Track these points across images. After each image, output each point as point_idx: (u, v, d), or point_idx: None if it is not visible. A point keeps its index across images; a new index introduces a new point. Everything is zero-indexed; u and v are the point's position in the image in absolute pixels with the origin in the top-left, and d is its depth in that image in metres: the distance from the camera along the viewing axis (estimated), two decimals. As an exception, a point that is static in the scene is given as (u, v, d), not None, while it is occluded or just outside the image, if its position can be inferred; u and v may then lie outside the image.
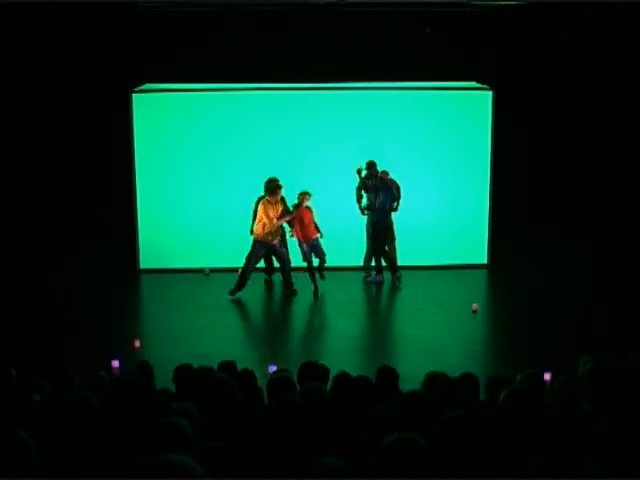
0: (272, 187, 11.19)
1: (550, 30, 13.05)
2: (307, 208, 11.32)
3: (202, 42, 13.01)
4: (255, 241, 11.37)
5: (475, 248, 12.63)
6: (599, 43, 12.91)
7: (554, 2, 12.22)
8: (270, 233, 11.26)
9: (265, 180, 11.31)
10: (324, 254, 11.48)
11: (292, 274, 11.39)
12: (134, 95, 12.40)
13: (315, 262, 11.51)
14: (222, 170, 12.45)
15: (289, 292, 11.33)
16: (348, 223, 12.34)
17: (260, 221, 11.24)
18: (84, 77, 13.04)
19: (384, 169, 11.84)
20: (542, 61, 13.23)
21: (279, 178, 11.59)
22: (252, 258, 11.37)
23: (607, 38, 12.84)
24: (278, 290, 11.37)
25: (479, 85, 12.83)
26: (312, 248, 11.38)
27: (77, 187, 13.33)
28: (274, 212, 11.22)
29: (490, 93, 12.51)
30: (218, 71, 12.89)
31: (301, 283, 11.38)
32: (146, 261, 12.55)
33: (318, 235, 11.44)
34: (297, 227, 11.25)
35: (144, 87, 12.70)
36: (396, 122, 12.50)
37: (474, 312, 10.61)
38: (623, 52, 12.87)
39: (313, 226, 11.41)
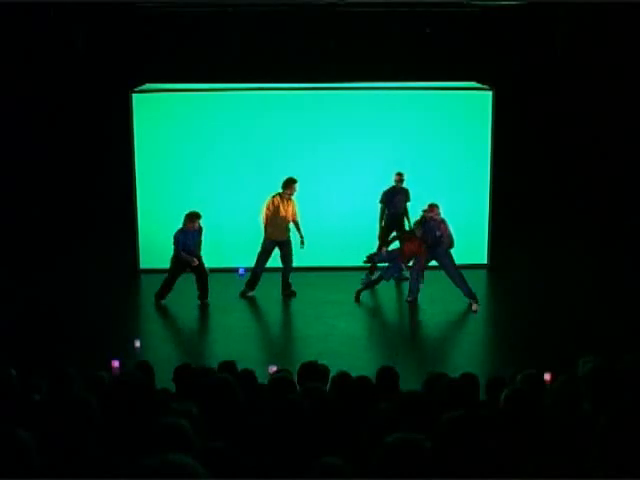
0: (286, 180, 11.21)
1: (550, 30, 13.05)
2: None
3: (202, 42, 13.02)
4: (265, 240, 11.36)
5: (475, 248, 12.62)
6: (599, 43, 12.91)
7: (554, 2, 12.23)
8: (280, 229, 11.24)
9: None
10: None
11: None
12: (134, 95, 12.39)
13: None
14: (222, 170, 12.45)
15: (288, 292, 11.34)
16: (347, 223, 12.34)
17: (267, 216, 11.20)
18: (84, 77, 13.05)
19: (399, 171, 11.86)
20: (542, 61, 13.23)
21: (279, 178, 11.58)
22: (261, 255, 11.35)
23: (607, 38, 12.85)
24: (278, 290, 11.36)
25: (479, 85, 12.83)
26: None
27: (77, 187, 13.35)
28: (284, 207, 11.21)
29: (490, 93, 12.50)
30: (218, 71, 12.89)
31: (300, 283, 11.39)
32: (146, 261, 12.54)
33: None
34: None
35: (144, 87, 12.69)
36: (396, 122, 12.49)
37: (474, 312, 10.61)
38: (623, 52, 12.87)
39: None
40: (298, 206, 11.42)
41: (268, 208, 11.21)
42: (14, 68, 12.93)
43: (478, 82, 12.89)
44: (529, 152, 13.31)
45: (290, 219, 11.32)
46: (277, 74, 12.65)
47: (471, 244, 12.65)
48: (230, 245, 12.42)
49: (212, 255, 12.42)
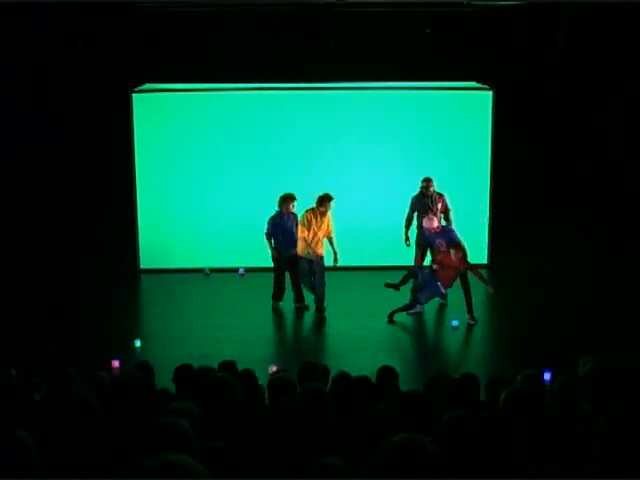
0: (321, 197, 10.61)
1: (550, 30, 13.05)
2: None
3: (202, 42, 13.01)
4: (297, 256, 10.73)
5: (475, 248, 12.60)
6: (599, 43, 12.92)
7: (554, 2, 12.23)
8: (310, 246, 10.61)
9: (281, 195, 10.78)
10: None
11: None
12: (134, 95, 12.39)
13: None
14: (222, 170, 12.45)
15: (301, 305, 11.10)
16: (346, 223, 12.32)
17: (302, 233, 10.61)
18: (84, 77, 13.05)
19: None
20: (542, 61, 13.23)
21: (279, 178, 11.55)
22: (296, 273, 10.79)
23: (607, 38, 12.85)
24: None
25: (479, 85, 12.83)
26: None
27: (77, 187, 13.34)
28: (317, 224, 10.63)
29: (490, 93, 12.50)
30: (218, 71, 12.89)
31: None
32: (146, 261, 12.54)
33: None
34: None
35: (144, 87, 12.70)
36: (396, 122, 12.49)
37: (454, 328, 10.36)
38: (623, 52, 12.88)
39: None
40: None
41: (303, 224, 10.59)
42: (14, 68, 12.93)
43: (478, 82, 12.89)
44: (529, 152, 13.30)
45: (322, 235, 10.72)
46: (277, 74, 12.64)
47: (471, 244, 12.64)
48: (230, 245, 12.42)
49: (212, 255, 12.46)
